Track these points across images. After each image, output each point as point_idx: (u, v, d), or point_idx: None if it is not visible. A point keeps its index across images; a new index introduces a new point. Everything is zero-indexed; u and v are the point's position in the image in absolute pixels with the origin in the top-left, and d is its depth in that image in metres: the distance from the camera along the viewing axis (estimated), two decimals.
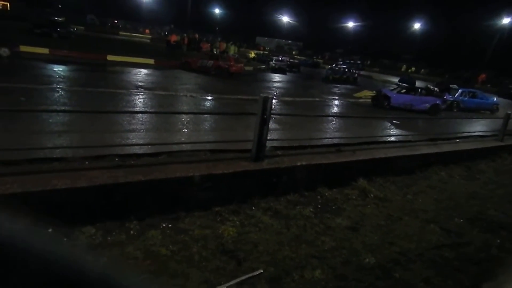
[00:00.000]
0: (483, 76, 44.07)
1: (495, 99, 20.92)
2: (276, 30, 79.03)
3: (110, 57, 20.93)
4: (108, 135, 6.75)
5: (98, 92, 11.09)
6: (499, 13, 46.51)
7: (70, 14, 50.60)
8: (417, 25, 61.34)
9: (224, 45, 34.29)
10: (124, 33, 54.06)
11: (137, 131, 7.40)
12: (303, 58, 54.29)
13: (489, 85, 39.42)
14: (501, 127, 9.69)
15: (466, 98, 18.96)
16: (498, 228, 4.97)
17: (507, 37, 46.15)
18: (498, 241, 4.57)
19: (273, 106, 4.99)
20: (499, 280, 3.68)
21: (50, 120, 7.18)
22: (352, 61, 46.91)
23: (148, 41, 48.07)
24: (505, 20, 45.70)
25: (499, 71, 46.17)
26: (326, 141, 7.85)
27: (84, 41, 28.85)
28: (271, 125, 6.03)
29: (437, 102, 16.34)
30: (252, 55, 42.30)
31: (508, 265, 4.05)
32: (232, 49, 33.20)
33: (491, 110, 19.64)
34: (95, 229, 3.45)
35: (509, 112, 9.71)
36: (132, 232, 3.57)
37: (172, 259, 3.26)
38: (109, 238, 3.40)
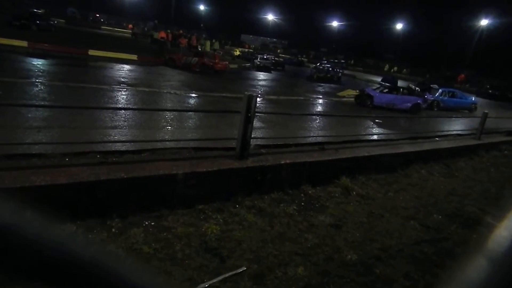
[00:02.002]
0: (462, 76, 45.16)
1: (473, 99, 21.47)
2: (261, 28, 79.14)
3: (91, 52, 20.53)
4: (89, 132, 6.63)
5: (79, 87, 10.88)
6: (479, 14, 47.76)
7: (50, 7, 49.42)
8: (399, 26, 62.40)
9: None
10: (107, 28, 53.09)
11: (120, 127, 7.29)
12: (288, 56, 54.43)
13: (467, 85, 40.40)
14: (478, 126, 9.96)
15: (446, 98, 19.40)
16: (475, 223, 5.12)
17: (486, 38, 47.42)
18: (475, 236, 4.71)
19: (257, 105, 5.00)
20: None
21: (29, 115, 7.00)
22: (336, 60, 47.29)
23: (131, 36, 47.38)
24: (484, 22, 46.90)
25: (478, 71, 47.41)
26: (310, 140, 7.90)
27: (64, 34, 28.20)
28: (256, 123, 6.05)
29: (418, 101, 16.65)
30: (237, 52, 42.15)
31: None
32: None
33: (470, 109, 20.15)
34: (76, 227, 3.39)
35: (486, 111, 9.99)
36: (113, 230, 3.53)
37: (154, 257, 3.24)
38: (90, 236, 3.35)
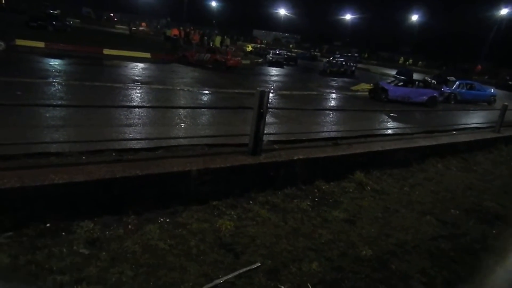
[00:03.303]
0: (479, 67, 44.09)
1: (492, 91, 20.95)
2: (273, 23, 78.71)
3: (106, 51, 20.85)
4: (105, 130, 6.74)
5: (94, 86, 11.05)
6: (497, 4, 46.40)
7: (66, 7, 50.24)
8: (415, 17, 61.13)
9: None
10: (121, 27, 53.67)
11: (134, 125, 7.38)
12: (301, 51, 54.12)
13: (486, 77, 39.44)
14: (498, 119, 9.72)
15: (463, 90, 18.98)
16: (494, 219, 5.02)
17: (505, 29, 46.10)
18: (494, 231, 4.62)
19: (270, 100, 4.99)
20: (494, 270, 3.73)
21: (47, 115, 7.16)
22: (349, 54, 46.84)
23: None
24: (503, 11, 45.53)
25: (497, 62, 46.19)
26: (323, 135, 7.86)
27: (80, 34, 28.66)
28: (268, 118, 6.04)
29: (435, 94, 16.36)
30: (249, 48, 42.15)
31: (504, 255, 4.09)
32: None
33: (489, 102, 19.68)
34: (93, 224, 3.46)
35: (506, 103, 9.73)
36: (130, 226, 3.58)
37: (170, 253, 3.28)
38: (107, 232, 3.42)
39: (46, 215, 3.34)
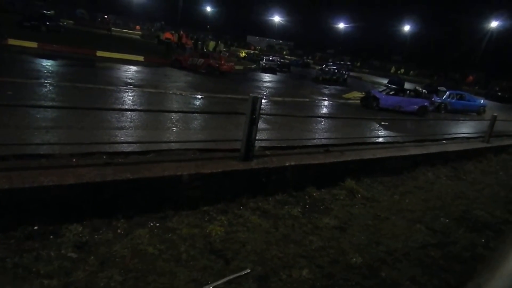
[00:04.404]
0: (470, 78, 44.79)
1: (482, 101, 21.26)
2: (267, 30, 79.09)
3: (99, 53, 20.73)
4: (96, 132, 6.67)
5: (86, 88, 10.96)
6: (488, 15, 47.29)
7: (60, 8, 49.92)
8: (406, 27, 61.97)
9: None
10: (115, 29, 53.50)
11: (126, 128, 7.33)
12: (294, 58, 54.42)
13: (476, 87, 40.05)
14: (487, 129, 9.86)
15: (453, 100, 19.24)
16: (483, 227, 5.06)
17: (495, 40, 46.93)
18: (483, 240, 4.66)
19: (262, 106, 5.00)
20: (483, 278, 3.75)
21: (38, 116, 7.07)
22: (342, 62, 47.16)
23: (139, 37, 47.69)
24: (493, 24, 46.40)
25: (487, 73, 46.95)
26: (315, 142, 7.88)
27: (73, 35, 28.47)
28: (261, 124, 6.05)
29: (425, 103, 16.54)
30: (243, 54, 42.27)
31: (493, 263, 4.13)
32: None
33: (478, 112, 19.95)
34: (82, 227, 3.41)
35: (495, 114, 9.89)
36: (119, 230, 3.54)
37: (159, 258, 3.25)
38: (96, 236, 3.37)
39: (35, 217, 3.29)
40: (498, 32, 46.99)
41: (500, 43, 47.38)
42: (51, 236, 3.24)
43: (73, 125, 6.84)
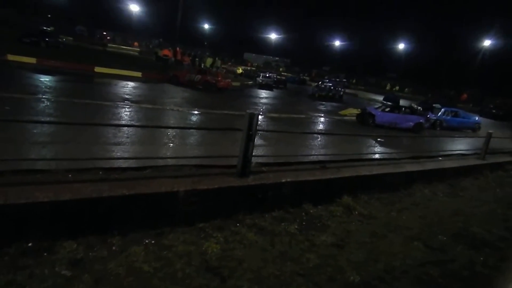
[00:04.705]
0: (464, 95, 45.35)
1: (477, 118, 21.48)
2: (264, 47, 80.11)
3: (97, 69, 20.86)
4: (93, 148, 6.66)
5: (84, 104, 10.98)
6: (483, 33, 48.22)
7: (60, 24, 50.46)
8: (401, 45, 62.95)
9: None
10: (113, 45, 54.04)
11: (123, 144, 7.32)
12: (290, 74, 54.98)
13: (471, 105, 40.49)
14: (483, 146, 9.93)
15: (448, 117, 19.43)
16: (481, 245, 5.04)
17: (489, 58, 47.72)
18: (481, 258, 4.63)
19: (259, 122, 5.02)
20: None
21: (35, 131, 7.06)
22: (338, 79, 47.70)
23: (137, 53, 48.12)
24: (486, 42, 47.24)
25: (482, 90, 47.57)
26: (311, 158, 7.89)
27: (72, 51, 28.67)
28: (257, 140, 6.06)
29: (421, 120, 16.68)
30: (240, 70, 42.67)
31: (491, 281, 4.09)
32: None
33: (473, 129, 20.12)
34: (76, 244, 3.36)
35: (490, 131, 9.97)
36: (114, 247, 3.50)
37: (155, 276, 3.20)
38: (90, 253, 3.32)
39: (29, 234, 3.24)
40: (492, 50, 47.83)
41: (494, 61, 48.18)
42: (45, 253, 3.19)
43: (70, 140, 6.82)
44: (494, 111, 33.20)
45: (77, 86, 15.40)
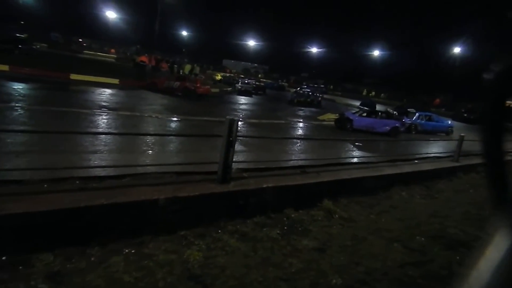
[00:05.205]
0: (437, 100, 46.79)
1: (449, 122, 22.15)
2: (243, 53, 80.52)
3: (73, 76, 20.42)
4: (69, 157, 6.49)
5: (59, 112, 10.71)
6: (454, 42, 50.08)
7: (34, 31, 49.19)
8: (377, 52, 64.52)
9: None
10: (89, 52, 53.10)
11: (101, 152, 7.17)
12: (269, 81, 55.35)
13: (443, 109, 41.75)
14: (456, 149, 10.24)
15: (423, 121, 19.97)
16: (457, 245, 5.18)
17: (460, 64, 49.45)
18: (458, 257, 4.76)
19: (239, 128, 5.03)
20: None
21: (8, 140, 6.83)
22: (316, 85, 48.36)
23: (114, 60, 47.43)
24: (458, 49, 49.03)
25: (455, 95, 49.21)
26: (292, 163, 7.94)
27: (47, 58, 27.98)
28: (237, 147, 6.06)
29: (397, 124, 17.07)
30: (219, 77, 42.68)
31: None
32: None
33: (447, 133, 20.74)
34: (53, 256, 3.26)
35: (463, 134, 10.30)
36: (93, 258, 3.41)
37: (135, 286, 3.13)
38: (68, 265, 3.23)
39: (3, 247, 3.12)
40: (464, 57, 49.63)
41: (465, 67, 49.97)
42: (21, 267, 3.08)
43: (45, 149, 6.63)
44: (465, 115, 34.29)
45: (52, 94, 15.01)
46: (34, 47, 30.71)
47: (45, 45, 44.66)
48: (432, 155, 11.45)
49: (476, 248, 0.44)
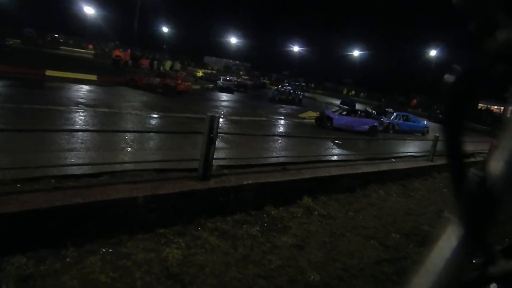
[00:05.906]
0: (414, 101, 47.89)
1: (425, 123, 22.70)
2: (224, 51, 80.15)
3: (49, 72, 19.84)
4: (44, 155, 6.32)
5: (34, 109, 10.41)
6: (430, 44, 51.50)
7: (6, 27, 47.44)
8: (356, 53, 65.52)
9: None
10: (66, 48, 51.72)
11: (77, 150, 7.01)
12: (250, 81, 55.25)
13: (420, 109, 42.73)
14: (431, 148, 10.50)
15: (400, 121, 20.40)
16: (431, 242, 5.32)
17: (436, 66, 50.82)
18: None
19: (220, 125, 5.01)
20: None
21: None
22: (297, 83, 48.54)
23: (91, 56, 46.37)
24: (434, 52, 50.44)
25: (430, 96, 50.46)
26: (272, 160, 7.98)
27: (20, 55, 27.10)
28: (218, 144, 6.04)
29: (375, 124, 17.39)
30: (200, 74, 42.33)
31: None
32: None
33: (422, 133, 21.26)
34: (26, 259, 3.17)
35: (437, 135, 10.57)
36: (68, 259, 3.33)
37: (112, 286, 3.09)
38: (42, 267, 3.14)
39: None
40: (439, 59, 51.06)
41: (441, 69, 51.36)
42: None
43: (18, 148, 6.43)
44: (440, 116, 35.07)
45: (26, 91, 14.55)
46: (6, 43, 29.67)
47: (18, 41, 43.18)
48: (408, 154, 11.71)
49: (430, 240, 0.46)
